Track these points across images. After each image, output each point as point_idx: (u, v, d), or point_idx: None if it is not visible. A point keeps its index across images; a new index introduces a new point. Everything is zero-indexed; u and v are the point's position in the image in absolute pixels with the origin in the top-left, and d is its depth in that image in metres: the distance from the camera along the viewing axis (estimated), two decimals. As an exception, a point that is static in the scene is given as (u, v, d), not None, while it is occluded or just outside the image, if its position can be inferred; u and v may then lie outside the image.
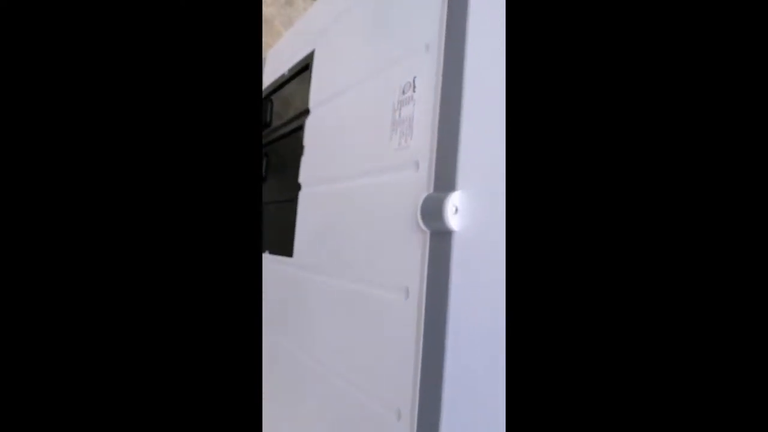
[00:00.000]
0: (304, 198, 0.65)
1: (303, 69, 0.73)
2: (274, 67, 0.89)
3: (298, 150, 0.69)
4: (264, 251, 0.77)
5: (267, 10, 1.50)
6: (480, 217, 0.35)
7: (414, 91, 0.44)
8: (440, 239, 0.37)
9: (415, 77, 0.44)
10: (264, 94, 0.90)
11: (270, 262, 0.73)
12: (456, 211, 0.36)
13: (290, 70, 0.78)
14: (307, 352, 0.58)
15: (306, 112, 0.69)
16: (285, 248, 0.68)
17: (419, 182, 0.41)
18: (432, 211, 0.37)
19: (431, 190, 0.39)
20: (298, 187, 0.67)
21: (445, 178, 0.38)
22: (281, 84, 0.83)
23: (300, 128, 0.70)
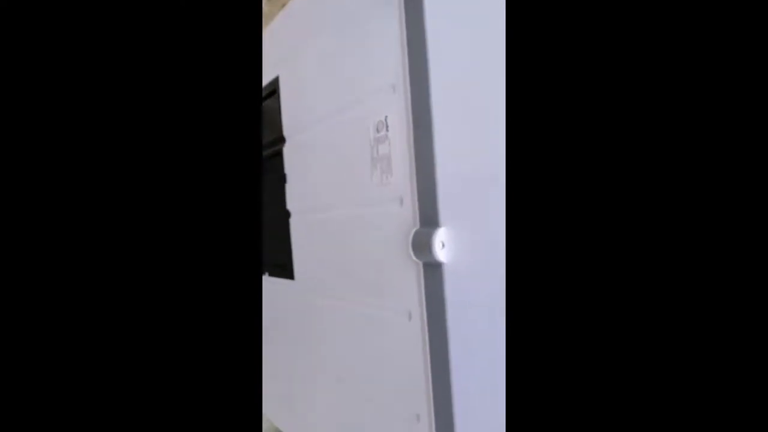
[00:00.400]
0: (296, 224, 0.69)
1: (270, 94, 0.75)
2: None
3: (280, 176, 0.72)
4: (263, 273, 0.81)
5: (265, 8, 1.46)
6: (466, 247, 0.40)
7: (387, 130, 0.48)
8: (432, 270, 0.42)
9: (386, 116, 0.48)
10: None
11: (271, 284, 0.78)
12: (443, 245, 0.41)
13: (257, 95, 0.80)
14: (323, 368, 0.64)
15: (281, 139, 0.71)
16: (285, 271, 0.72)
17: (405, 217, 0.46)
18: (421, 246, 0.42)
19: (418, 225, 0.44)
20: (287, 213, 0.70)
21: (428, 214, 0.43)
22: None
23: (278, 154, 0.72)
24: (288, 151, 0.70)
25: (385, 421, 0.51)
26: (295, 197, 0.69)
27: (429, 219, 0.43)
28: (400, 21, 0.45)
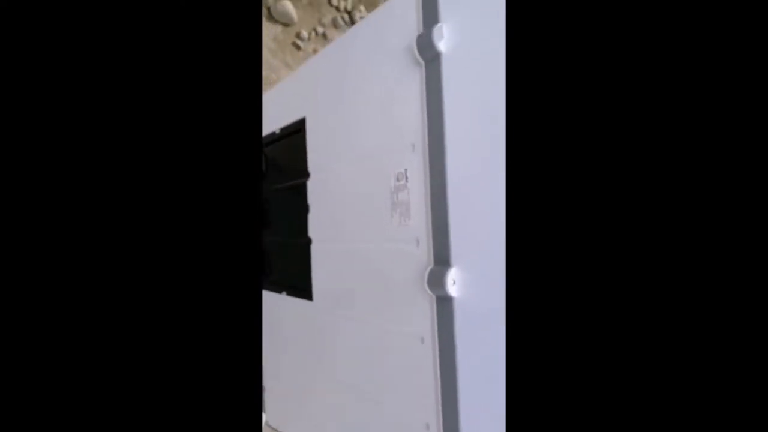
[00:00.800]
0: (316, 251, 0.77)
1: (295, 131, 0.83)
2: (262, 120, 0.98)
3: (303, 206, 0.80)
4: (281, 292, 0.89)
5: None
6: (472, 283, 0.49)
7: (407, 181, 0.56)
8: (444, 303, 0.50)
9: (406, 169, 0.56)
10: (256, 146, 0.99)
11: (290, 303, 0.85)
12: (454, 282, 0.49)
13: (283, 130, 0.88)
14: (337, 380, 0.71)
15: (306, 173, 0.79)
16: (303, 292, 0.80)
17: (421, 255, 0.54)
18: (436, 283, 0.50)
19: (432, 263, 0.52)
20: (308, 240, 0.78)
21: (442, 255, 0.51)
22: (273, 140, 0.92)
23: (303, 186, 0.80)
24: (312, 185, 0.78)
25: (397, 429, 0.59)
26: (316, 226, 0.77)
27: (442, 259, 0.51)
28: (421, 90, 0.54)
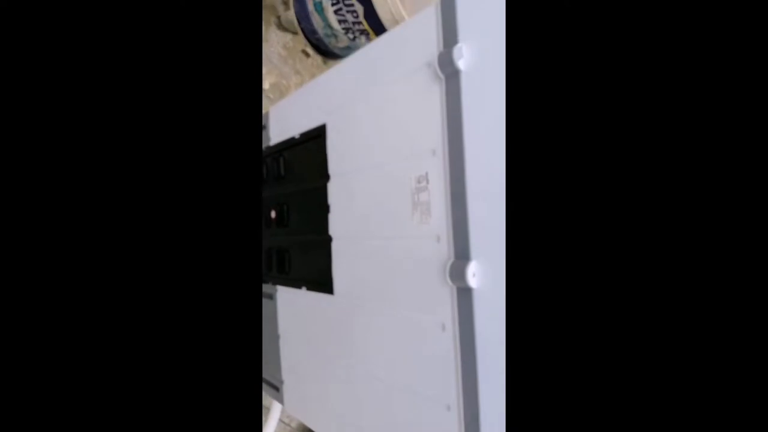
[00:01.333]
0: (337, 248, 0.82)
1: (316, 137, 0.89)
2: (280, 125, 1.03)
3: (323, 206, 0.85)
4: (300, 287, 0.94)
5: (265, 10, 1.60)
6: (489, 275, 0.54)
7: (428, 183, 0.62)
8: (464, 293, 0.56)
9: (427, 172, 0.62)
10: (276, 150, 1.04)
11: (310, 298, 0.91)
12: (474, 275, 0.55)
13: (302, 135, 0.93)
14: (363, 363, 0.77)
15: (327, 176, 0.85)
16: (324, 287, 0.85)
17: (442, 251, 0.59)
18: (457, 275, 0.56)
19: (452, 257, 0.58)
20: (329, 238, 0.84)
21: (462, 250, 0.57)
22: (292, 145, 0.97)
23: (323, 188, 0.86)
24: (332, 187, 0.84)
25: (418, 411, 0.64)
26: (337, 225, 0.82)
27: (463, 253, 0.57)
28: (441, 102, 0.60)
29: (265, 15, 1.62)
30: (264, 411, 1.27)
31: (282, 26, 1.69)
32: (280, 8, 1.67)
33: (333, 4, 1.41)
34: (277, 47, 1.67)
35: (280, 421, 1.19)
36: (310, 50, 1.71)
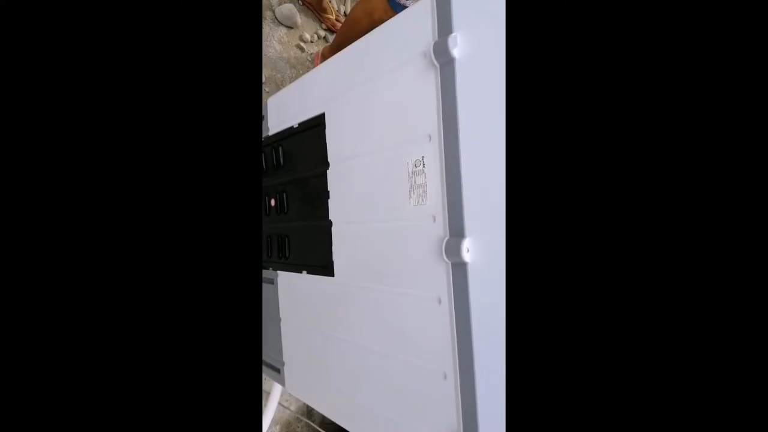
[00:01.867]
0: (337, 232, 0.86)
1: (315, 125, 0.92)
2: (278, 116, 1.06)
3: (323, 192, 0.88)
4: (301, 272, 0.97)
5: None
6: (482, 251, 0.58)
7: (424, 167, 0.65)
8: (459, 268, 0.60)
9: (423, 156, 0.65)
10: (274, 140, 1.07)
11: (310, 281, 0.94)
12: (468, 250, 0.58)
13: (301, 125, 0.96)
14: (363, 340, 0.80)
15: (326, 163, 0.88)
16: (324, 269, 0.89)
17: (437, 229, 0.63)
18: (452, 251, 0.59)
19: (448, 235, 0.62)
20: (329, 223, 0.87)
21: (457, 228, 0.60)
22: (291, 134, 1.00)
23: (322, 174, 0.89)
24: (332, 173, 0.87)
25: (416, 381, 0.68)
26: (337, 210, 0.86)
27: (457, 231, 0.60)
28: (437, 89, 0.63)
29: (260, 9, 1.64)
30: (264, 395, 1.30)
31: (277, 20, 1.71)
32: (275, 2, 1.69)
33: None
34: (273, 41, 1.69)
35: (280, 404, 1.22)
36: (304, 45, 1.74)
